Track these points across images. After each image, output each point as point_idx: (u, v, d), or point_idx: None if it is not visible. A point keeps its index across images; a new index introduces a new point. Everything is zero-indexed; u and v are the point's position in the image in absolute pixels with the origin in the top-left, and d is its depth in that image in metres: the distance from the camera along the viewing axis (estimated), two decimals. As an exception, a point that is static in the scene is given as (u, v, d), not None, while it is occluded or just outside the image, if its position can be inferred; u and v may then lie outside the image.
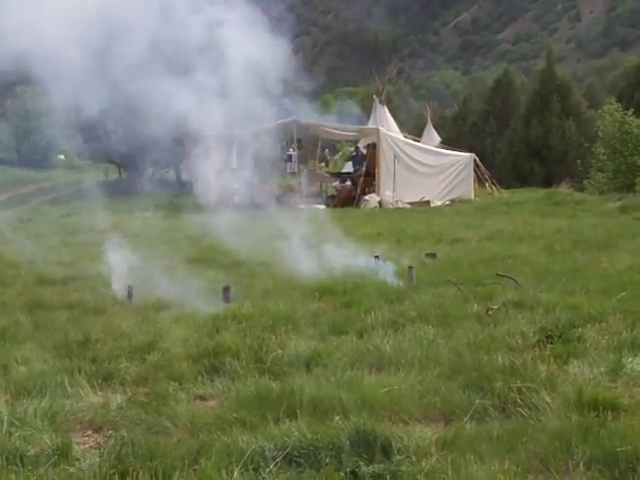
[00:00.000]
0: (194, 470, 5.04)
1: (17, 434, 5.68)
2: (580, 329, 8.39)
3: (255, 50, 11.88)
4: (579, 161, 41.35)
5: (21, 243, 17.98)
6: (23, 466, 5.12)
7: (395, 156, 31.30)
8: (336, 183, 36.02)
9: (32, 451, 5.38)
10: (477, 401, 6.18)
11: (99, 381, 7.12)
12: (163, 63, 11.54)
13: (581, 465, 5.02)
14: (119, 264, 11.91)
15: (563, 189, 32.68)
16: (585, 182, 38.96)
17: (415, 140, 36.93)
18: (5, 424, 5.90)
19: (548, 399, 6.09)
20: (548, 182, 38.91)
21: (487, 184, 33.67)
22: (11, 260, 16.04)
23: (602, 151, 36.95)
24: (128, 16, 11.33)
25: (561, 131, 44.95)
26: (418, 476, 4.88)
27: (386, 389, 6.40)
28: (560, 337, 8.04)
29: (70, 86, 11.44)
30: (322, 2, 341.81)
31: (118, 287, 11.55)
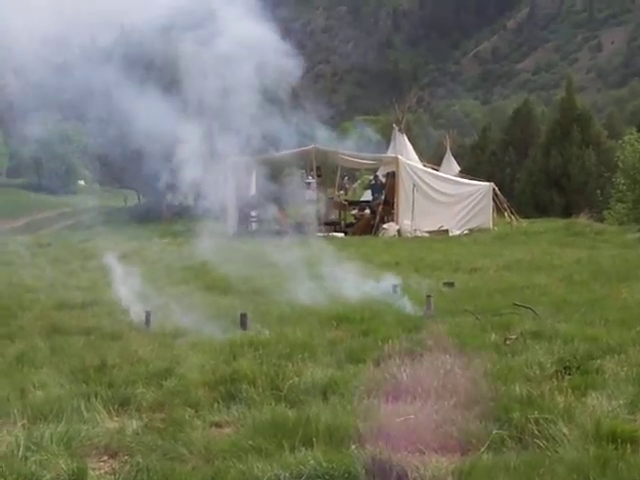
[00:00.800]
0: (209, 497, 5.03)
1: (33, 459, 5.68)
2: (599, 360, 8.34)
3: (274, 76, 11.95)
4: (599, 191, 41.21)
5: (40, 268, 18.08)
6: (39, 491, 5.12)
7: (414, 185, 31.28)
8: (355, 211, 35.99)
9: (48, 476, 5.38)
10: (494, 431, 6.15)
11: (115, 406, 7.12)
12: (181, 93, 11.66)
13: (599, 498, 4.98)
14: (136, 290, 11.94)
15: (582, 219, 32.53)
16: (605, 212, 38.81)
17: (434, 169, 36.91)
18: (21, 448, 5.91)
19: (566, 431, 6.04)
20: (567, 212, 38.82)
21: (506, 213, 33.58)
22: (30, 284, 16.11)
23: (622, 181, 36.77)
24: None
25: (581, 161, 44.88)
26: (434, 506, 4.85)
27: (403, 418, 6.38)
28: (578, 368, 8.00)
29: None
30: (342, 31, 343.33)
31: (135, 313, 11.57)
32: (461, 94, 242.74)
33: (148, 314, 11.16)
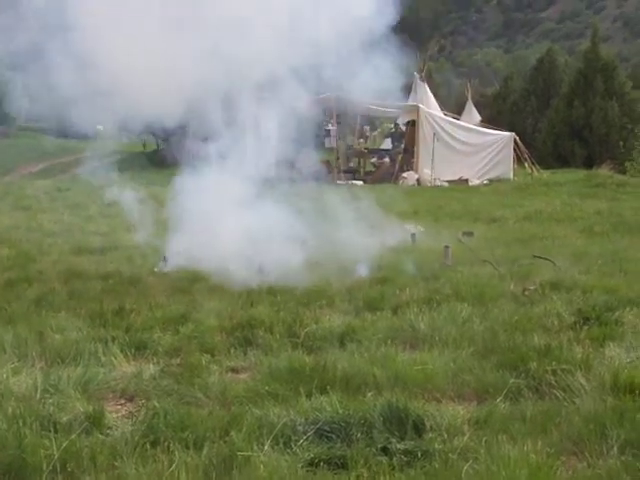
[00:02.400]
0: (225, 441, 5.03)
1: (51, 401, 5.70)
2: (617, 312, 8.29)
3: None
4: (621, 143, 40.81)
5: (58, 212, 18.12)
6: (56, 432, 5.14)
7: (434, 134, 31.09)
8: (374, 160, 35.85)
9: (65, 418, 5.39)
10: (511, 381, 6.13)
11: (132, 351, 7.14)
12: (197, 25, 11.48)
13: (615, 448, 4.95)
14: (156, 235, 11.94)
15: (604, 171, 32.26)
16: (627, 164, 38.44)
17: (455, 118, 36.66)
18: (39, 390, 5.93)
19: (583, 381, 6.02)
20: (589, 163, 38.48)
21: (526, 164, 33.36)
22: (48, 229, 16.15)
23: (645, 133, 36.43)
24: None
25: (604, 112, 44.32)
26: (450, 454, 4.84)
27: (420, 367, 6.37)
28: (597, 319, 7.96)
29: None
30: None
31: (154, 258, 11.59)
32: (483, 43, 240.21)
33: (165, 259, 11.19)
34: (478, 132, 34.34)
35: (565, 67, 59.33)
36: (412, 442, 5.03)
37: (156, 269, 11.11)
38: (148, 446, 4.94)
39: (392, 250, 12.75)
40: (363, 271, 10.94)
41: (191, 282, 10.33)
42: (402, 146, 33.13)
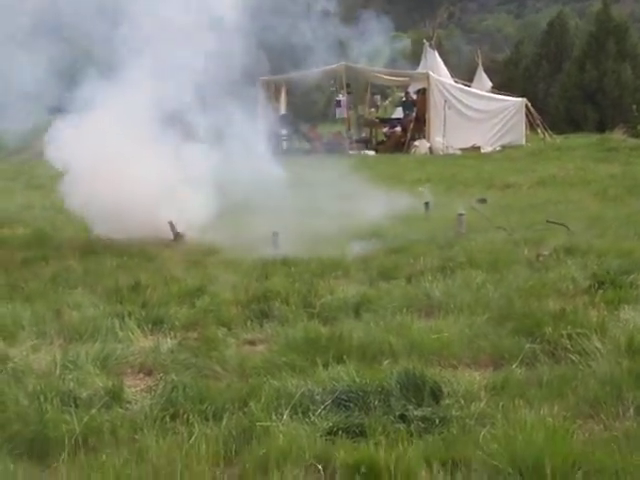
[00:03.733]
0: (244, 412, 5.07)
1: (70, 377, 5.75)
2: (632, 275, 8.29)
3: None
4: (634, 106, 40.48)
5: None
6: (77, 407, 5.19)
7: (445, 101, 30.97)
8: (386, 129, 35.75)
9: (85, 393, 5.44)
10: (527, 346, 6.16)
11: (149, 326, 7.18)
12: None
13: (631, 410, 4.98)
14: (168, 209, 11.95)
15: (617, 135, 32.08)
16: (640, 127, 38.21)
17: (466, 85, 36.46)
18: (59, 367, 5.98)
19: (598, 345, 6.03)
20: (602, 127, 38.26)
21: (539, 129, 33.22)
22: (61, 207, 16.17)
23: (659, 96, 36.16)
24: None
25: (616, 75, 44.03)
26: (467, 420, 4.87)
27: (435, 334, 6.39)
28: (611, 283, 7.96)
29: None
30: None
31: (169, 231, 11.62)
32: (493, 8, 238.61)
33: (178, 233, 11.23)
34: (489, 98, 34.19)
35: (576, 30, 58.86)
36: (429, 409, 5.06)
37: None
38: (167, 419, 4.99)
39: (405, 219, 12.74)
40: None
41: (205, 255, 10.36)
42: (413, 114, 33.02)
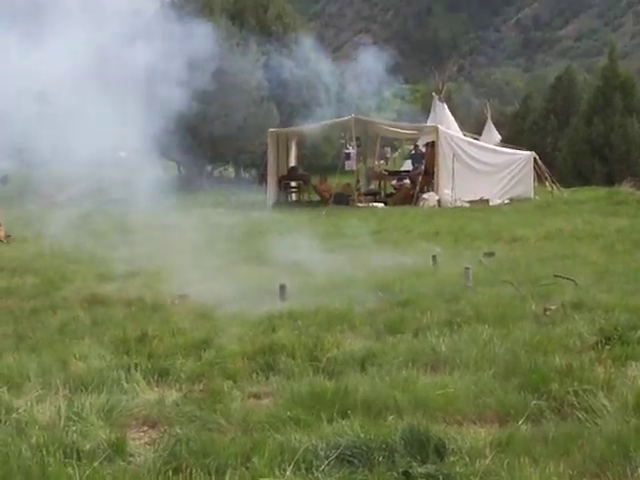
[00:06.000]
0: (247, 468, 5.06)
1: (74, 428, 5.74)
2: (640, 331, 8.26)
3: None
4: (642, 159, 40.63)
5: (81, 239, 18.23)
6: (79, 460, 5.18)
7: (454, 154, 31.07)
8: (395, 181, 35.90)
9: (88, 446, 5.43)
10: (533, 402, 6.13)
11: (155, 377, 7.19)
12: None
13: (639, 470, 4.94)
14: (176, 261, 12.00)
15: (625, 188, 32.14)
16: (647, 181, 38.27)
17: (475, 138, 36.66)
18: (63, 418, 5.98)
19: (605, 402, 6.00)
20: (610, 181, 38.34)
21: (547, 182, 33.30)
22: (72, 256, 16.26)
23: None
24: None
25: (623, 129, 44.19)
26: (472, 477, 4.85)
27: (441, 390, 6.37)
28: (619, 339, 7.92)
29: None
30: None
31: (176, 284, 11.65)
32: (502, 62, 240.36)
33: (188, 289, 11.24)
34: (498, 152, 34.33)
35: (584, 85, 59.21)
36: (434, 466, 5.04)
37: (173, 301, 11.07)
38: (170, 473, 4.97)
39: (413, 271, 12.75)
40: None
41: (212, 308, 10.37)
42: (422, 167, 33.15)
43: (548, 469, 4.87)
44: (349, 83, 32.20)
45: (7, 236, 20.78)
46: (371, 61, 29.12)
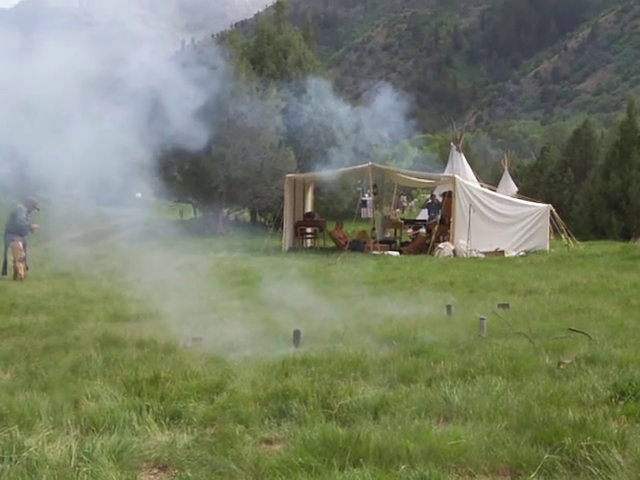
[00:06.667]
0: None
1: (85, 469, 5.74)
2: (654, 387, 8.20)
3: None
4: (659, 214, 40.68)
5: (96, 279, 18.30)
6: (89, 502, 5.17)
7: (471, 205, 31.11)
8: (410, 230, 35.96)
9: (98, 487, 5.43)
10: (545, 456, 6.08)
11: (167, 420, 7.18)
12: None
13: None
14: (190, 304, 12.02)
15: (641, 243, 32.09)
16: (664, 236, 38.25)
17: (491, 189, 36.72)
18: (74, 459, 5.98)
19: (619, 458, 5.96)
20: (626, 235, 38.36)
21: (563, 235, 33.27)
22: (85, 295, 16.31)
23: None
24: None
25: (640, 184, 44.32)
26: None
27: (453, 441, 6.33)
28: (633, 394, 7.87)
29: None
30: (402, 48, 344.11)
31: (189, 325, 11.66)
32: (520, 114, 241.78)
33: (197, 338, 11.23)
34: (514, 203, 34.33)
35: (602, 139, 59.47)
36: (445, 517, 5.01)
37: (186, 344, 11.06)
38: (180, 517, 4.96)
39: (427, 321, 12.73)
40: None
41: (226, 351, 10.36)
42: (438, 217, 33.21)
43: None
44: (366, 130, 32.44)
45: (26, 268, 20.97)
46: (389, 108, 29.31)
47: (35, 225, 21.28)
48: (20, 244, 20.92)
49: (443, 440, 6.38)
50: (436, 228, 32.36)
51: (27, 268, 21.05)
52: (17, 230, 21.04)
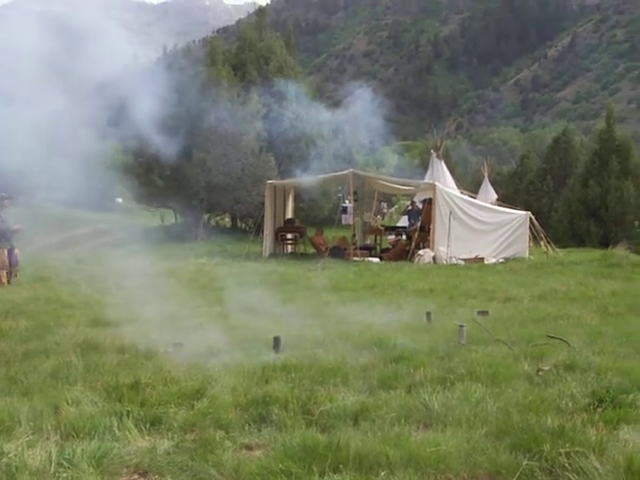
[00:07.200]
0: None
1: (65, 475, 5.74)
2: (632, 394, 8.25)
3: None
4: (637, 223, 40.92)
5: (76, 284, 18.24)
6: (69, 507, 5.17)
7: (451, 212, 31.19)
8: (391, 237, 36.03)
9: (78, 493, 5.42)
10: (524, 463, 6.12)
11: (147, 426, 7.16)
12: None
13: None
14: (170, 310, 12.00)
15: (619, 251, 32.28)
16: (642, 244, 38.46)
17: (471, 196, 36.84)
18: (53, 464, 5.97)
19: (597, 464, 5.99)
20: (604, 243, 38.55)
21: (542, 243, 33.42)
22: (66, 301, 16.26)
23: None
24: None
25: (619, 192, 44.55)
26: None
27: (433, 447, 6.36)
28: (611, 402, 7.92)
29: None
30: (383, 56, 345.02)
31: (168, 332, 11.64)
32: (500, 121, 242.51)
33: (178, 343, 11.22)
34: (494, 211, 34.47)
35: (581, 147, 59.82)
36: (424, 523, 5.04)
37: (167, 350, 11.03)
38: (161, 523, 4.97)
39: (407, 328, 12.76)
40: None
41: (206, 357, 10.36)
42: (418, 224, 33.30)
43: (539, 530, 4.86)
44: (347, 136, 32.51)
45: (15, 275, 20.63)
46: (369, 114, 29.40)
47: (17, 226, 20.49)
48: (5, 251, 20.32)
49: (423, 447, 6.40)
50: (416, 235, 32.45)
51: (15, 275, 20.67)
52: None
